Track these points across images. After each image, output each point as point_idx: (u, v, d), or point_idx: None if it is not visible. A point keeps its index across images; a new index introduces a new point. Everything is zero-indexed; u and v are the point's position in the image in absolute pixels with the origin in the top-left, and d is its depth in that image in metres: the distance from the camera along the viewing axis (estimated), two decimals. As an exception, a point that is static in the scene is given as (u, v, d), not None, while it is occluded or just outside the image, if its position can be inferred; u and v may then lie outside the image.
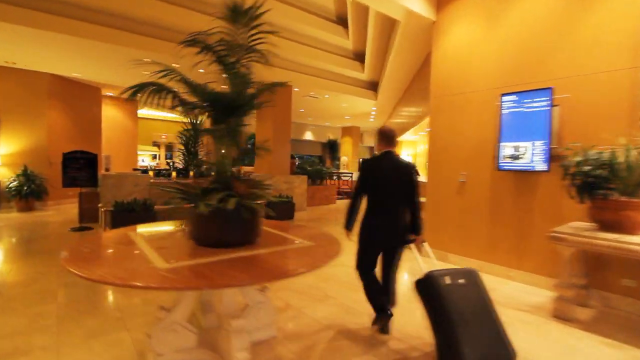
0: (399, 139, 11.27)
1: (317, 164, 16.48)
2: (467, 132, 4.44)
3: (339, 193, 12.28)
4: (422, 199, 4.73)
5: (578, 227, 3.10)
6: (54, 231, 6.04)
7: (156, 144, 18.03)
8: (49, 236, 5.64)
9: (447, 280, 2.17)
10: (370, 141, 26.92)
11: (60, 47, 6.60)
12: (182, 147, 8.57)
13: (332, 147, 25.91)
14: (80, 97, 9.55)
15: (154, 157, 17.54)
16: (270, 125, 9.18)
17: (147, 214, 6.01)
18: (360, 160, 2.98)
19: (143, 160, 16.25)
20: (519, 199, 3.96)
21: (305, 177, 9.60)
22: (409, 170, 2.59)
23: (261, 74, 2.29)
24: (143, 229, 2.65)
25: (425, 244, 2.70)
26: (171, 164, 8.94)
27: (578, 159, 2.99)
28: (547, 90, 3.60)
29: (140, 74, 8.49)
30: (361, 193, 2.62)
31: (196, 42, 2.24)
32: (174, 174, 7.99)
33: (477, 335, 2.02)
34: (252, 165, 16.88)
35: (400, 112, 11.08)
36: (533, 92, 3.71)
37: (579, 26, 3.51)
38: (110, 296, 3.24)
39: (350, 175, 13.94)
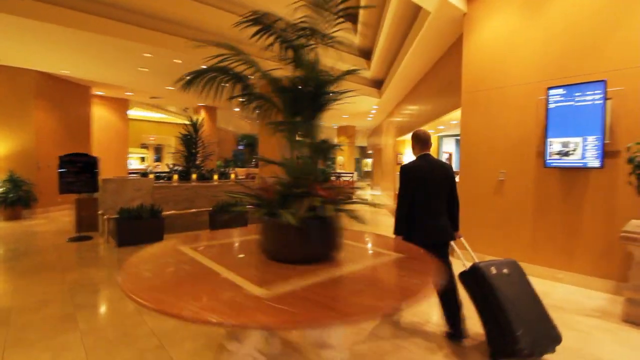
0: (402, 137, 11.13)
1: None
2: (506, 128, 4.23)
3: (341, 194, 12.01)
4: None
5: (648, 226, 2.92)
6: (49, 242, 5.50)
7: (144, 146, 17.31)
8: (46, 248, 5.11)
9: (493, 270, 2.29)
10: (363, 141, 26.79)
11: (49, 40, 6.04)
12: (183, 149, 8.12)
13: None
14: (69, 96, 8.93)
15: (142, 159, 16.81)
16: (275, 124, 8.78)
17: (154, 220, 5.56)
18: (401, 166, 3.00)
19: (131, 163, 15.52)
20: (567, 197, 3.77)
21: (311, 178, 9.28)
22: (449, 169, 2.74)
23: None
24: (187, 241, 2.27)
25: (463, 239, 2.82)
26: (171, 166, 8.42)
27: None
28: (601, 82, 3.41)
29: (136, 71, 8.00)
30: (408, 197, 2.61)
31: (258, 21, 1.91)
32: (175, 176, 7.51)
33: (527, 318, 2.13)
34: (244, 167, 16.39)
35: (403, 110, 10.88)
36: (584, 85, 3.52)
37: (633, 13, 3.34)
38: (139, 319, 2.83)
39: (352, 175, 13.67)
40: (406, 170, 2.68)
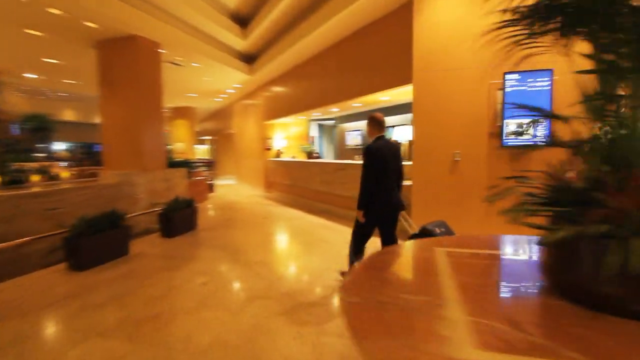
0: (274, 121, 10.44)
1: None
2: (460, 109, 4.37)
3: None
4: (409, 182, 4.47)
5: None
6: None
7: None
8: None
9: (437, 230, 2.63)
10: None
11: None
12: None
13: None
14: None
15: None
16: (133, 98, 6.25)
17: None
18: (366, 147, 2.91)
19: None
20: (515, 172, 4.27)
21: (184, 170, 7.28)
22: (399, 149, 3.29)
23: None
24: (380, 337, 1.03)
25: (404, 212, 3.47)
26: None
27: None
28: (549, 71, 3.95)
29: None
30: (374, 174, 3.04)
31: None
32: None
33: None
34: (27, 161, 11.60)
35: (277, 90, 10.09)
36: (536, 72, 4.00)
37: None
38: None
39: (208, 163, 11.81)
40: (372, 151, 3.06)
